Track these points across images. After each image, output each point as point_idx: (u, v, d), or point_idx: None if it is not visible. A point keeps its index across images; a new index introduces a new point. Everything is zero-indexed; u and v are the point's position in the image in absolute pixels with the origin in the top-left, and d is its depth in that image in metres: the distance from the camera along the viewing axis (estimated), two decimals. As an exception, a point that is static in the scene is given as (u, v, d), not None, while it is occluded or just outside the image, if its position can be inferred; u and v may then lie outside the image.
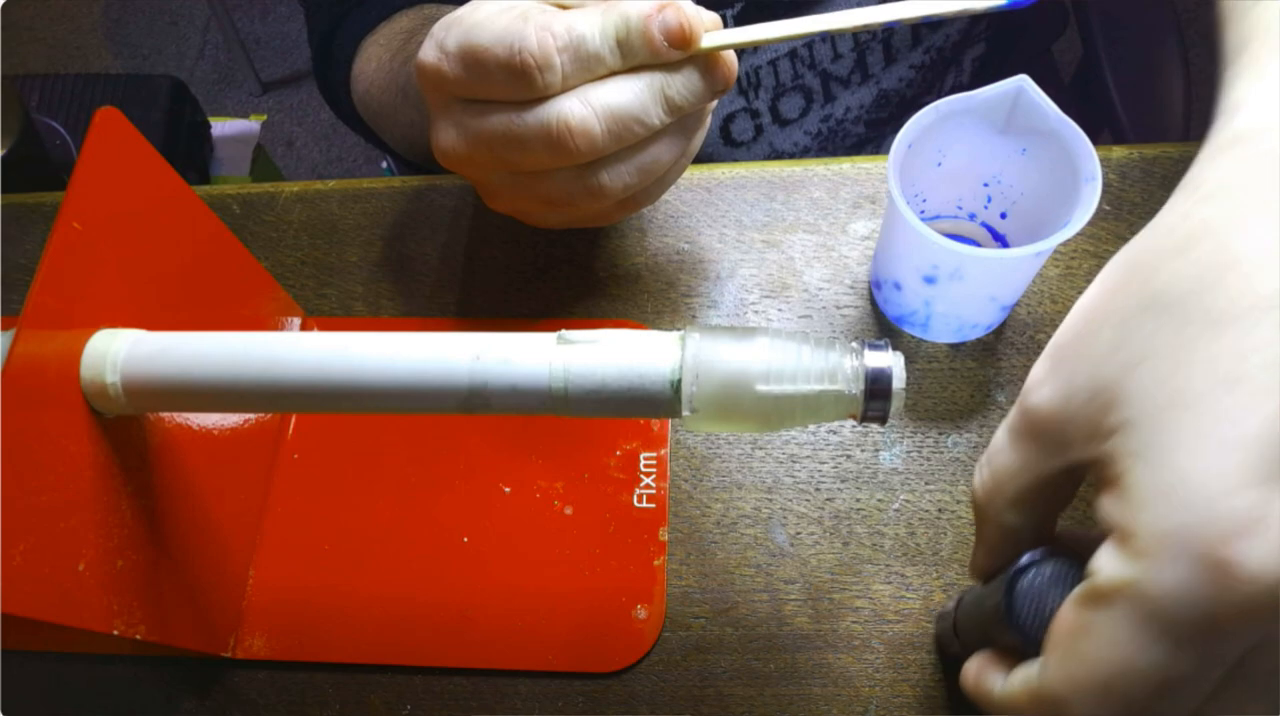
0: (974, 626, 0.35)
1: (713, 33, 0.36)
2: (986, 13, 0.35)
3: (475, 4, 0.37)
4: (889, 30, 0.59)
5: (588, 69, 0.35)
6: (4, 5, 1.66)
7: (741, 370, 0.29)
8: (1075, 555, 0.29)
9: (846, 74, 0.60)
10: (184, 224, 0.39)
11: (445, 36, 0.36)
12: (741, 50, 0.57)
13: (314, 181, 0.53)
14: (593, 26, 0.35)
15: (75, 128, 1.02)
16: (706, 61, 0.36)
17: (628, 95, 0.35)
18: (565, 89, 0.35)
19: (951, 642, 0.38)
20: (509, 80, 0.35)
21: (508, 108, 0.36)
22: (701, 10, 0.36)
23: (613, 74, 0.36)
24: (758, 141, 0.62)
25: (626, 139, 0.36)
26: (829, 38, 0.58)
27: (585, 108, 0.35)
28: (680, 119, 0.38)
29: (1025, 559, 0.29)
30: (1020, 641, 0.29)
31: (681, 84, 0.36)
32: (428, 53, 0.37)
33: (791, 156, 0.63)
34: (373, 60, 0.52)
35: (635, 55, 0.35)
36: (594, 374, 0.30)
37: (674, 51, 0.35)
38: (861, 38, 0.59)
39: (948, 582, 0.42)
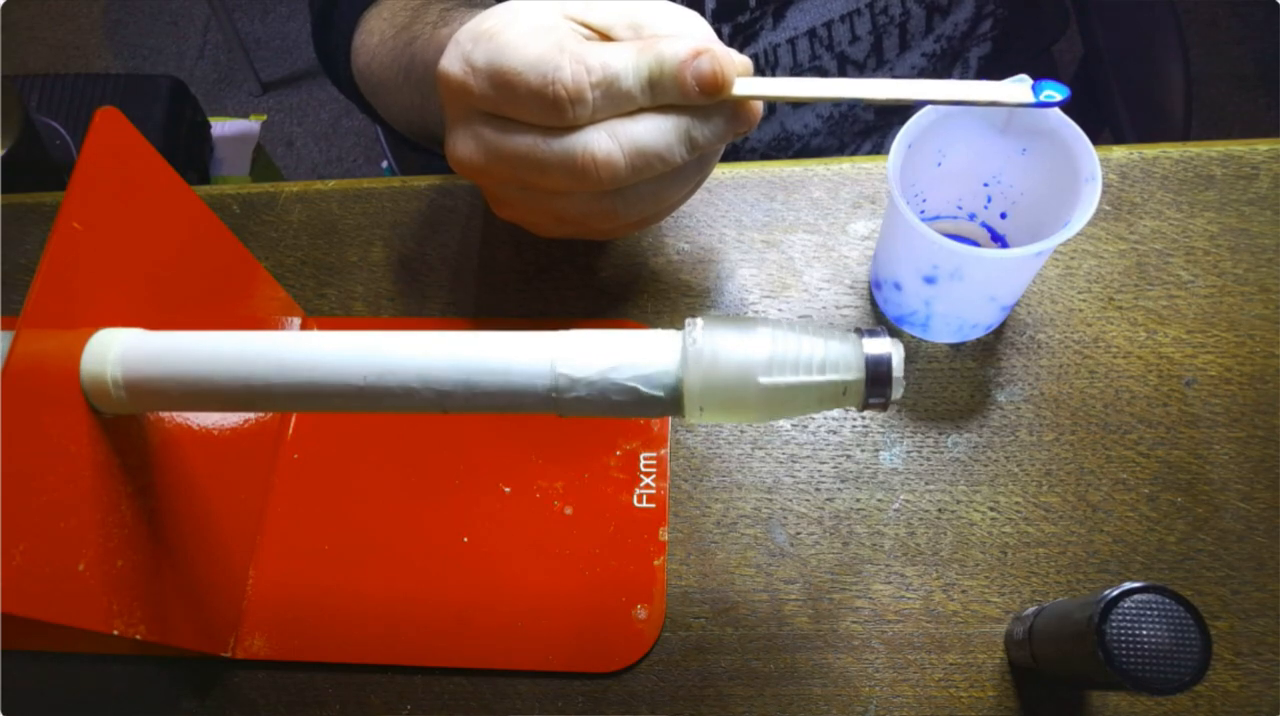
0: (1052, 641, 0.35)
1: (743, 80, 0.36)
2: (1014, 107, 0.36)
3: (504, 18, 0.37)
4: (905, 15, 0.60)
5: (617, 105, 0.35)
6: (4, 5, 1.66)
7: (744, 364, 0.29)
8: (1169, 589, 0.30)
9: (863, 58, 0.61)
10: (184, 224, 0.39)
11: (473, 50, 0.36)
12: (759, 29, 0.57)
13: (314, 181, 0.53)
14: (627, 64, 0.35)
15: (75, 128, 1.02)
16: (734, 106, 0.37)
17: (654, 134, 0.36)
18: (593, 121, 0.36)
19: (1020, 650, 0.38)
20: (539, 108, 0.35)
21: (533, 130, 0.36)
22: (733, 54, 0.36)
23: (640, 110, 0.36)
24: (769, 120, 0.62)
25: (647, 173, 0.36)
26: (849, 19, 0.59)
27: (612, 142, 0.35)
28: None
29: (1120, 588, 0.30)
30: (1110, 671, 0.30)
31: (707, 128, 0.36)
32: (452, 63, 0.37)
33: (800, 137, 0.63)
34: (374, 34, 0.51)
35: (666, 96, 0.35)
36: (596, 372, 0.30)
37: (704, 97, 0.35)
38: (879, 21, 0.59)
39: (948, 582, 0.42)
